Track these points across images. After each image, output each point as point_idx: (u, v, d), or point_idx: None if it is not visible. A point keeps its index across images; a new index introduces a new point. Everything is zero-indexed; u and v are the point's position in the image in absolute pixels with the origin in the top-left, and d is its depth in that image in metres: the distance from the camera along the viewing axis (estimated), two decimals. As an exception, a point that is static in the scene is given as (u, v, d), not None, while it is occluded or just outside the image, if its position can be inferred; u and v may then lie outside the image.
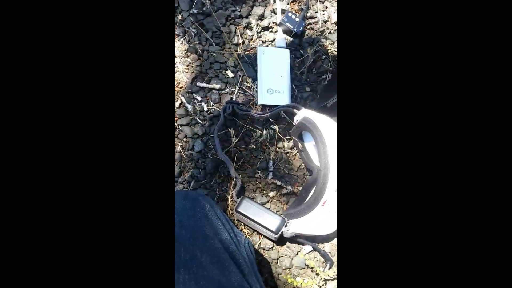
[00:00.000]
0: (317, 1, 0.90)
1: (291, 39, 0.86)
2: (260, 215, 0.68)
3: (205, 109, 0.79)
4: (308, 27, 0.88)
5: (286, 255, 0.72)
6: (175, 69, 0.80)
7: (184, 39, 0.83)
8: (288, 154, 0.78)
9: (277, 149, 0.78)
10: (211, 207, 0.57)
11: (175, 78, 0.80)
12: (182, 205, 0.54)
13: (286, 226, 0.68)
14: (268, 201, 0.75)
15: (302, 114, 0.74)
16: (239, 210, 0.69)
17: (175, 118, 0.78)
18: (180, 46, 0.82)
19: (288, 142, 0.78)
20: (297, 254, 0.72)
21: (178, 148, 0.76)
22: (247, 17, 0.86)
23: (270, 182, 0.76)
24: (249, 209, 0.69)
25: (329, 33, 0.88)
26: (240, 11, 0.86)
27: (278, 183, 0.76)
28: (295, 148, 0.78)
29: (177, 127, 0.77)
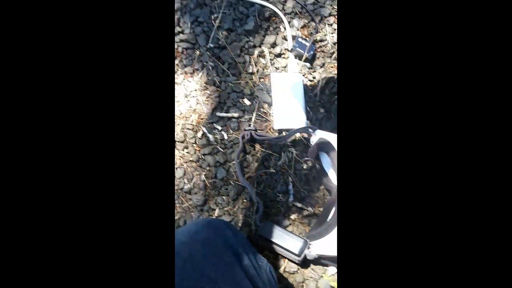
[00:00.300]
0: (325, 25, 0.93)
1: (303, 63, 0.89)
2: (282, 238, 0.71)
3: (226, 137, 0.83)
4: (318, 50, 0.91)
5: (311, 277, 0.74)
6: (196, 101, 0.85)
7: (202, 73, 0.88)
8: (307, 176, 0.81)
9: (296, 171, 0.81)
10: (233, 234, 0.60)
11: (196, 110, 0.85)
12: (205, 234, 0.57)
13: (308, 248, 0.70)
14: (290, 224, 0.77)
15: (317, 135, 0.76)
16: (262, 234, 0.71)
17: (198, 149, 0.82)
18: (199, 80, 0.87)
19: (306, 163, 0.81)
20: (321, 276, 0.74)
21: (202, 177, 0.80)
22: (260, 46, 0.91)
23: (291, 204, 0.78)
24: (271, 233, 0.71)
25: (340, 54, 0.90)
26: (253, 41, 0.90)
27: (299, 205, 0.78)
28: (313, 169, 0.81)
29: (200, 157, 0.82)
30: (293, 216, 0.78)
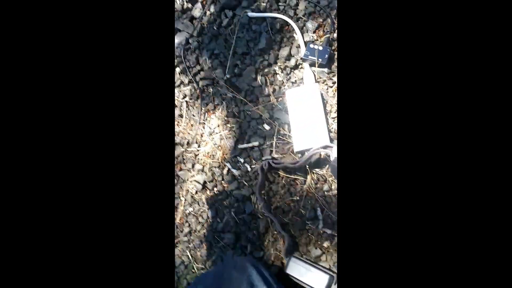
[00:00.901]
0: (341, 17, 0.81)
1: (320, 69, 0.80)
2: (307, 275, 0.65)
3: (249, 169, 0.81)
4: (337, 49, 0.80)
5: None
6: (219, 137, 0.86)
7: (223, 107, 0.88)
8: (336, 197, 0.72)
9: (325, 193, 0.73)
10: (258, 273, 0.60)
11: (221, 146, 0.85)
12: (232, 275, 0.58)
13: (335, 284, 0.63)
14: (323, 253, 0.70)
15: (335, 151, 0.67)
16: (287, 271, 0.67)
17: (226, 185, 0.82)
18: (220, 115, 0.87)
19: (333, 183, 0.72)
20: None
21: (232, 213, 0.80)
22: (275, 62, 0.85)
23: (321, 232, 0.71)
24: (296, 269, 0.67)
25: (360, 47, 0.78)
26: (267, 59, 0.86)
27: (329, 231, 0.70)
28: (342, 189, 0.71)
29: (228, 193, 0.82)
30: (325, 244, 0.71)
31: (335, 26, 0.81)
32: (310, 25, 0.84)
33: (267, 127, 0.81)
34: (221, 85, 0.89)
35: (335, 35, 0.81)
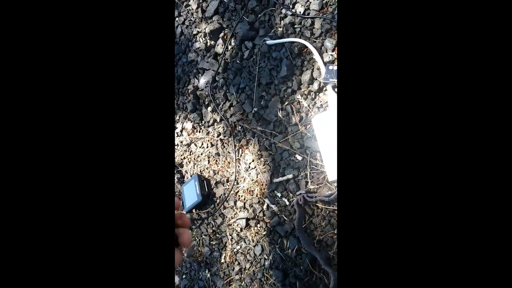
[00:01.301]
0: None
1: (343, 91, 0.76)
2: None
3: (287, 203, 0.80)
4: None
5: None
6: (256, 172, 0.86)
7: (255, 141, 0.88)
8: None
9: (367, 223, 0.69)
10: None
11: (258, 181, 0.85)
12: None
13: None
14: None
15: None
16: (335, 310, 0.65)
17: (267, 221, 0.82)
18: (253, 149, 0.87)
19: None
20: None
21: (277, 250, 0.79)
22: (299, 88, 0.83)
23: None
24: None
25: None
26: (291, 86, 0.84)
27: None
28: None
29: (271, 229, 0.81)
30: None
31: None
32: (329, 43, 0.80)
33: (299, 157, 0.79)
34: (250, 120, 0.89)
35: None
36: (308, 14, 0.84)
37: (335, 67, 0.75)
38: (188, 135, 1.04)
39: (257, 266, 0.82)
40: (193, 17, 1.08)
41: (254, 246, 0.83)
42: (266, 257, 0.81)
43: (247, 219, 0.85)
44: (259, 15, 0.93)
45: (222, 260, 0.90)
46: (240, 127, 0.91)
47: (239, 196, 0.88)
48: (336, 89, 0.76)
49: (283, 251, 0.79)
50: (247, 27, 0.94)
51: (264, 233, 0.82)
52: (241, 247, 0.86)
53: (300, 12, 0.86)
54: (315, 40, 0.82)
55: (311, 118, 0.79)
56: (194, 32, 1.06)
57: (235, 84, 0.94)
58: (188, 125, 1.04)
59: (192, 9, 1.08)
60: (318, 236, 0.74)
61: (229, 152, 0.92)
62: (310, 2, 0.84)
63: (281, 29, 0.88)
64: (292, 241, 0.77)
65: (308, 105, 0.81)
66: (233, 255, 0.88)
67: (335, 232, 0.72)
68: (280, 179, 0.81)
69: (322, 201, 0.72)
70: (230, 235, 0.88)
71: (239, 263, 0.86)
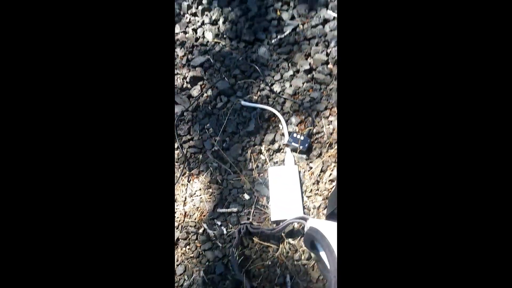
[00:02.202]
0: (321, 118, 0.99)
1: (300, 155, 0.93)
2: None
3: (225, 232, 0.86)
4: (315, 141, 0.95)
5: None
6: (200, 199, 0.92)
7: (207, 174, 0.95)
8: (306, 266, 0.78)
9: (295, 262, 0.79)
10: None
11: (199, 208, 0.90)
12: None
13: None
14: (288, 319, 0.74)
15: (309, 224, 0.76)
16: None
17: (198, 245, 0.85)
18: (204, 180, 0.95)
19: (304, 254, 0.79)
20: None
21: (201, 273, 0.82)
22: (260, 144, 0.98)
23: (289, 298, 0.75)
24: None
25: (335, 143, 0.94)
26: (254, 141, 0.98)
27: (296, 298, 0.75)
28: (311, 259, 0.78)
29: (200, 252, 0.85)
30: (291, 312, 0.74)
31: (315, 123, 0.97)
32: (294, 119, 1.00)
33: (247, 196, 0.90)
34: (208, 156, 0.98)
35: (315, 130, 0.97)
36: (283, 95, 1.05)
37: (299, 136, 0.94)
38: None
39: (176, 284, 0.82)
40: (176, 61, 1.21)
41: (177, 265, 0.84)
42: (187, 278, 0.82)
43: (177, 239, 0.87)
44: (240, 81, 1.11)
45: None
46: (195, 158, 0.99)
47: (176, 217, 0.91)
48: (294, 153, 0.93)
49: (207, 274, 0.82)
50: (227, 86, 1.10)
51: (192, 255, 0.84)
52: (161, 264, 0.86)
53: (276, 91, 1.06)
54: (283, 113, 1.02)
55: (267, 168, 0.92)
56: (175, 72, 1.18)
57: (202, 124, 1.05)
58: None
59: (178, 55, 1.22)
60: (247, 267, 0.80)
61: (177, 176, 0.97)
62: (286, 87, 1.06)
63: (256, 97, 1.07)
64: (219, 267, 0.81)
65: (266, 158, 0.95)
66: (149, 271, 0.85)
67: (262, 264, 0.80)
68: (224, 210, 0.89)
69: (264, 233, 0.81)
70: (152, 252, 0.87)
71: (154, 280, 0.84)
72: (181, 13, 1.32)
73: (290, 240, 0.81)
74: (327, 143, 0.94)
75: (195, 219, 0.89)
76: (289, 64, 1.10)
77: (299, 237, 0.82)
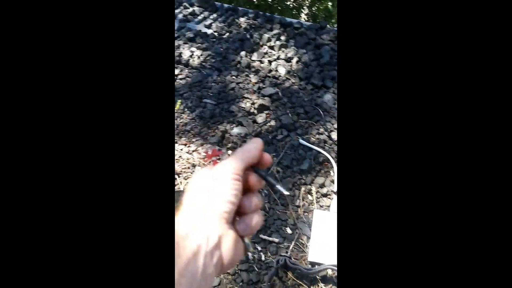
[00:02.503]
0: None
1: (346, 206, 0.99)
2: None
3: (263, 258, 0.91)
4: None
5: None
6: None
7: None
8: (332, 312, 0.83)
9: (323, 305, 0.84)
10: None
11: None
12: None
13: None
14: None
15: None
16: None
17: (237, 263, 0.91)
18: (251, 204, 1.01)
19: (333, 300, 0.84)
20: None
21: (234, 290, 0.87)
22: (310, 184, 1.04)
23: (311, 337, 0.80)
24: None
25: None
26: (305, 180, 1.05)
27: None
28: (339, 307, 0.83)
29: (237, 271, 0.90)
30: None
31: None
32: (346, 171, 1.06)
33: (289, 231, 0.96)
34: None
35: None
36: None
37: (349, 188, 1.00)
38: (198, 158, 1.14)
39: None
40: (248, 85, 1.30)
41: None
42: (220, 292, 0.88)
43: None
44: (302, 120, 1.19)
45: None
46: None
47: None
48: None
49: (239, 294, 0.87)
50: (291, 121, 1.17)
51: (229, 270, 0.90)
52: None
53: (333, 139, 1.13)
54: (336, 161, 1.08)
55: (313, 209, 0.98)
56: (244, 94, 1.27)
57: (259, 150, 1.12)
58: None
59: (251, 81, 1.31)
60: (277, 297, 0.85)
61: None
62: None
63: (314, 139, 1.14)
64: (252, 290, 0.87)
65: (313, 200, 1.01)
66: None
67: (293, 300, 0.85)
68: (266, 237, 0.95)
69: (300, 272, 0.87)
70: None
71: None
72: (261, 43, 1.41)
73: (322, 285, 0.86)
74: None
75: (237, 238, 0.95)
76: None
77: (330, 285, 0.87)
